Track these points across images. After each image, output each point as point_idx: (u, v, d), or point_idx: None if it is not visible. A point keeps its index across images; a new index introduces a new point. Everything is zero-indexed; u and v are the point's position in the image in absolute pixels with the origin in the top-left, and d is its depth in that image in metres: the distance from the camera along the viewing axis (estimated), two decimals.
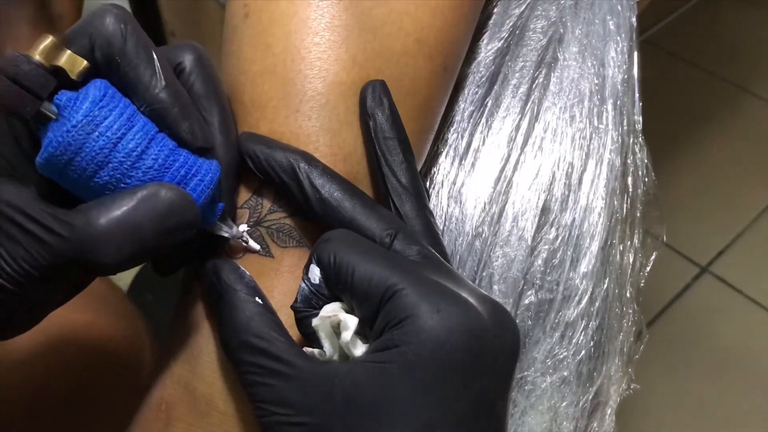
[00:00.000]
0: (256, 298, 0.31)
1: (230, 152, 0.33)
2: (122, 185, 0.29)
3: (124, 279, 1.02)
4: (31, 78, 0.28)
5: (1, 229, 0.27)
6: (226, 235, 0.33)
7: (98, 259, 0.27)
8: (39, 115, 0.28)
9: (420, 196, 0.34)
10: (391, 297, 0.28)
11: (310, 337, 0.31)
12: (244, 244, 0.34)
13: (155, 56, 0.30)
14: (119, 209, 0.28)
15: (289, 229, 0.34)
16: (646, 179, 0.46)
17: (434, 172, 0.40)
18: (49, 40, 0.28)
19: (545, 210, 0.40)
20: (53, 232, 0.27)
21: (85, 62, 0.29)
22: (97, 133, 0.28)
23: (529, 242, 0.40)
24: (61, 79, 0.29)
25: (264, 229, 0.34)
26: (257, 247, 0.34)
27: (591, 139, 0.42)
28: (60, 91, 0.29)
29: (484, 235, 0.40)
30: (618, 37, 0.45)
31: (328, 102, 0.34)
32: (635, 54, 0.46)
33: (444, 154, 0.41)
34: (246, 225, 0.34)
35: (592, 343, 0.41)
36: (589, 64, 0.43)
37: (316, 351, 0.30)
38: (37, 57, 0.28)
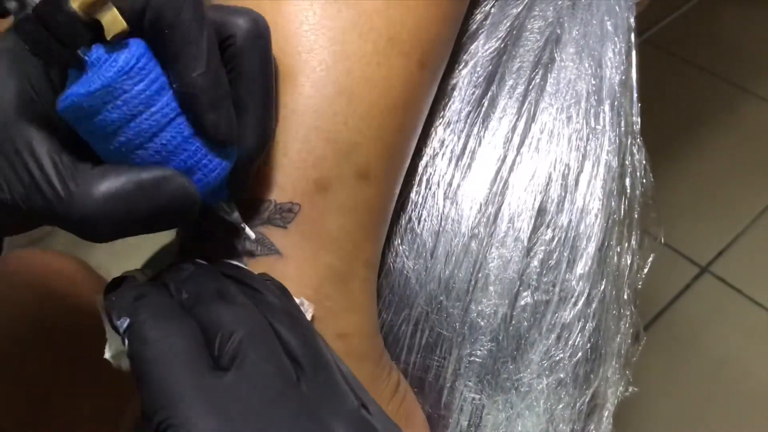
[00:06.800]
0: None
1: (256, 141, 0.32)
2: (128, 158, 0.29)
3: None
4: (62, 28, 0.26)
5: (13, 165, 0.28)
6: (224, 216, 0.33)
7: (87, 230, 0.28)
8: (69, 62, 0.27)
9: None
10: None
11: None
12: (240, 229, 0.33)
13: (205, 35, 0.28)
14: (120, 187, 0.28)
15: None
16: (644, 181, 0.46)
17: (430, 173, 0.40)
18: None
19: (541, 211, 0.40)
20: (54, 188, 0.27)
21: (125, 26, 0.27)
22: (112, 105, 0.27)
23: (525, 243, 0.39)
24: (99, 32, 0.27)
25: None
26: (253, 235, 0.33)
27: (588, 140, 0.42)
28: (95, 44, 0.27)
29: (479, 236, 0.39)
30: (616, 38, 0.44)
31: (296, 109, 0.34)
32: (633, 55, 0.45)
33: (440, 154, 0.41)
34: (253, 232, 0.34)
35: (588, 345, 0.41)
36: (587, 65, 0.43)
37: None
38: (74, 6, 0.26)
